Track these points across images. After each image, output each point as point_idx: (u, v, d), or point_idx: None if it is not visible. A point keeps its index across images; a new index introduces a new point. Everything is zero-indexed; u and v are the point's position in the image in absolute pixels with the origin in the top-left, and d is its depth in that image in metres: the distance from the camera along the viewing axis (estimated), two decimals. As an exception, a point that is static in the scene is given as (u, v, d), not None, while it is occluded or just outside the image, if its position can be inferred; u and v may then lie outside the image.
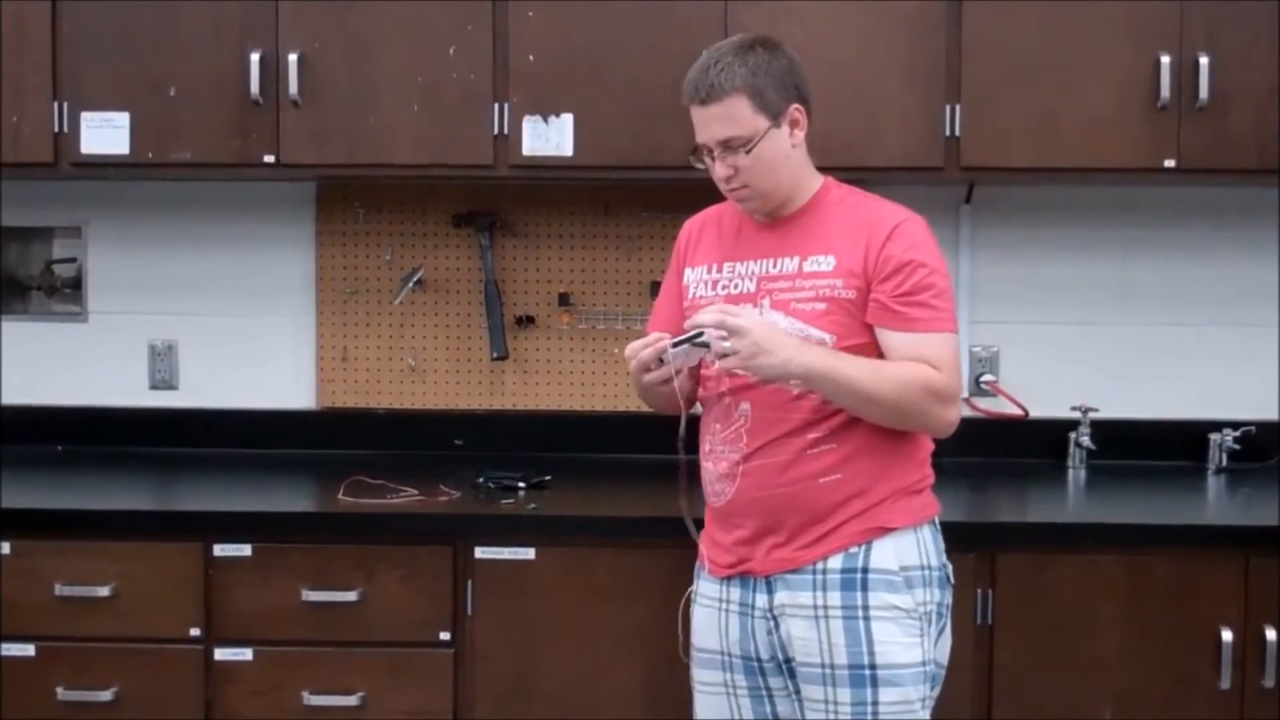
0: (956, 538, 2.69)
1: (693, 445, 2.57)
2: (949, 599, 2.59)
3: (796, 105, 2.53)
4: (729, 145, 2.50)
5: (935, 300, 2.48)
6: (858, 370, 2.43)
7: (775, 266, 2.55)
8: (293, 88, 3.26)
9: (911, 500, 2.54)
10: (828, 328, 2.49)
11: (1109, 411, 3.58)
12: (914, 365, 2.45)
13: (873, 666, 2.46)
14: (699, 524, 2.67)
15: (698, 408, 2.67)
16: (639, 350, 2.48)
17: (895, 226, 2.51)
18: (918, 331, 2.47)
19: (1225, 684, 2.90)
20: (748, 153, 2.49)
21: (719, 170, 2.54)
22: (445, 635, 2.98)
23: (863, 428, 2.49)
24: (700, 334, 2.41)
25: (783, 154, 2.52)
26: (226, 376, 3.74)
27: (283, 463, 3.60)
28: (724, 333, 2.39)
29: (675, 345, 2.43)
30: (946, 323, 2.50)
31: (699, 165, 2.58)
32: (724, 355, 2.41)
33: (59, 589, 2.99)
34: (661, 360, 2.45)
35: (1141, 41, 3.21)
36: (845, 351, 2.47)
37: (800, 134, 2.55)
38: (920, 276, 2.48)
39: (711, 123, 2.50)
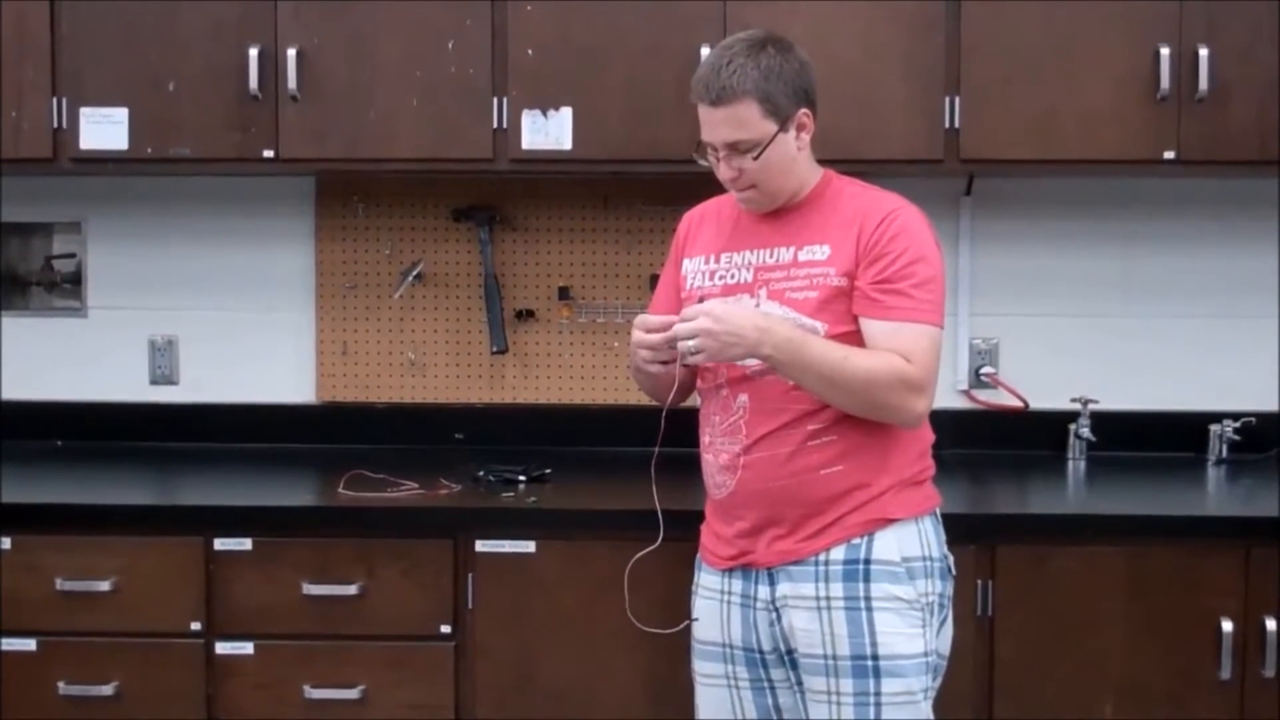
0: (957, 529, 2.69)
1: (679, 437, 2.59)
2: (950, 590, 2.59)
3: (805, 110, 2.52)
4: (736, 148, 2.49)
5: (915, 290, 2.47)
6: (825, 359, 2.43)
7: (772, 256, 2.55)
8: (292, 83, 3.26)
9: (913, 492, 2.55)
10: (821, 316, 2.49)
11: (1109, 403, 3.58)
12: (885, 355, 2.44)
13: (875, 657, 2.47)
14: (698, 516, 2.68)
15: (694, 399, 2.68)
16: (654, 325, 2.48)
17: (887, 215, 2.51)
18: (893, 320, 2.46)
19: (1226, 674, 2.90)
20: (755, 159, 2.49)
21: (724, 171, 2.53)
22: (446, 629, 2.99)
23: (862, 419, 2.48)
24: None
25: (789, 157, 2.52)
26: (227, 371, 3.74)
27: (283, 457, 3.60)
28: (691, 343, 2.41)
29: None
30: (926, 314, 2.48)
31: (703, 162, 2.58)
32: (695, 353, 2.43)
33: (60, 584, 2.99)
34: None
35: (1141, 33, 3.21)
36: (838, 339, 2.47)
37: (806, 137, 2.55)
38: (902, 264, 2.47)
39: (719, 125, 2.49)
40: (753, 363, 2.50)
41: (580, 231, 3.68)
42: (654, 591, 2.81)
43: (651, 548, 2.63)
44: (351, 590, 2.97)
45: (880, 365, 2.44)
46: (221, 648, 3.00)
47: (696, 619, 2.65)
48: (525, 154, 3.28)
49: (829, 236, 2.53)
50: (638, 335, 2.50)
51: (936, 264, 2.53)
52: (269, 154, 3.30)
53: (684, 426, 2.65)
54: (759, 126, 2.48)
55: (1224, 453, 3.55)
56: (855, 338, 2.49)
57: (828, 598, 2.49)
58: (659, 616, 2.76)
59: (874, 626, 2.47)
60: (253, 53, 3.26)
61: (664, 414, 2.57)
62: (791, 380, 2.46)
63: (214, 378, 3.75)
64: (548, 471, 3.28)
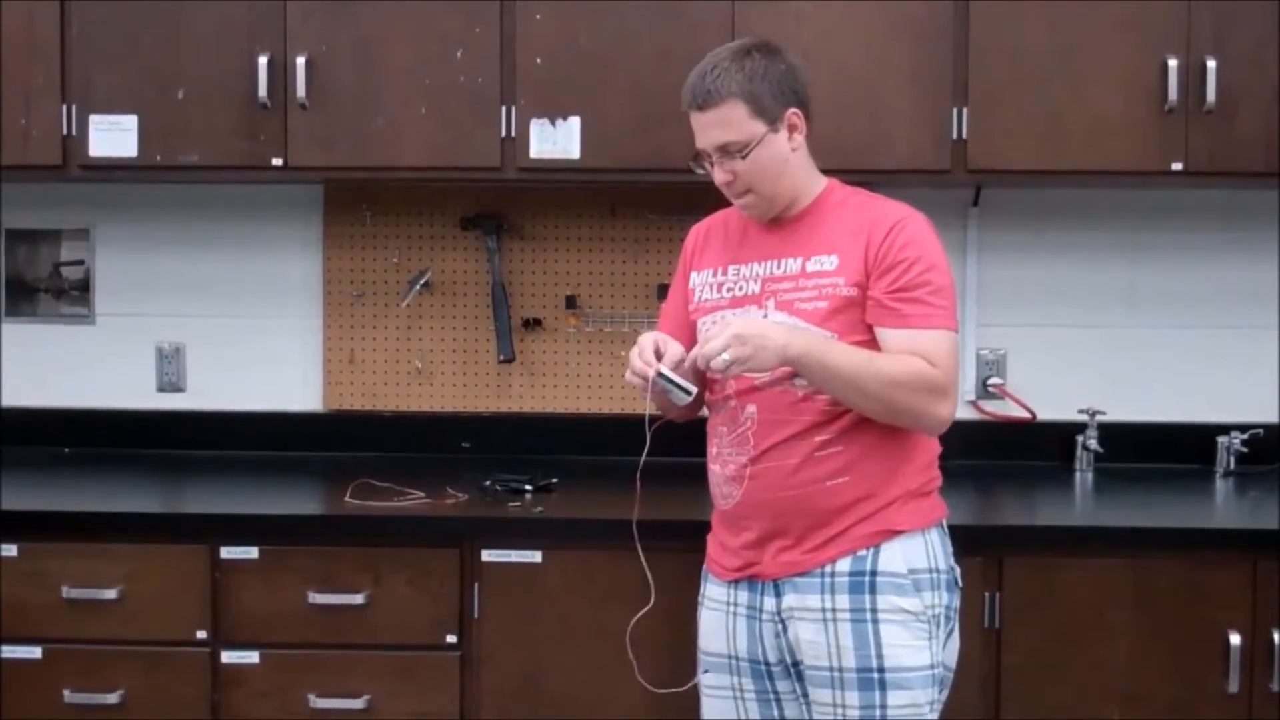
0: (964, 541, 2.69)
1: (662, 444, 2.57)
2: (957, 602, 2.59)
3: (795, 110, 2.53)
4: (726, 150, 2.51)
5: (931, 297, 2.48)
6: (850, 359, 2.43)
7: (779, 268, 2.55)
8: (300, 90, 3.26)
9: (919, 503, 2.54)
10: (829, 326, 2.49)
11: (1116, 414, 3.58)
12: (909, 358, 2.45)
13: (881, 669, 2.46)
14: (704, 526, 2.67)
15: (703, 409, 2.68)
16: (646, 350, 2.46)
17: (895, 224, 2.51)
18: (912, 328, 2.47)
19: (1233, 687, 2.89)
20: (744, 158, 2.50)
21: (718, 175, 2.55)
22: (452, 638, 2.98)
23: (869, 430, 2.49)
24: (686, 388, 2.44)
25: (781, 158, 2.53)
26: (234, 379, 3.75)
27: (290, 465, 3.60)
28: (725, 355, 2.38)
29: (662, 375, 2.43)
30: (943, 319, 2.49)
31: (699, 170, 2.59)
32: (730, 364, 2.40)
33: (66, 591, 2.99)
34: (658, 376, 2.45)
35: (1149, 44, 3.21)
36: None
37: (800, 138, 2.55)
38: (916, 273, 2.47)
39: (709, 128, 2.51)
40: (763, 374, 2.49)
41: (588, 240, 3.68)
42: (659, 602, 2.80)
43: (645, 609, 2.63)
44: (357, 599, 2.97)
45: (905, 368, 2.44)
46: (227, 656, 2.99)
47: (706, 672, 2.65)
48: (533, 162, 3.28)
49: (837, 246, 2.53)
50: (636, 365, 2.47)
51: (946, 271, 2.53)
52: (277, 162, 3.30)
53: (692, 436, 2.65)
54: (747, 127, 2.49)
55: (1231, 464, 3.54)
56: (866, 347, 2.48)
57: (833, 609, 2.48)
58: (663, 626, 2.77)
59: (880, 639, 2.46)
60: (262, 60, 3.26)
61: (648, 427, 2.55)
62: (815, 384, 2.45)
63: (221, 385, 3.75)
64: (554, 481, 3.28)
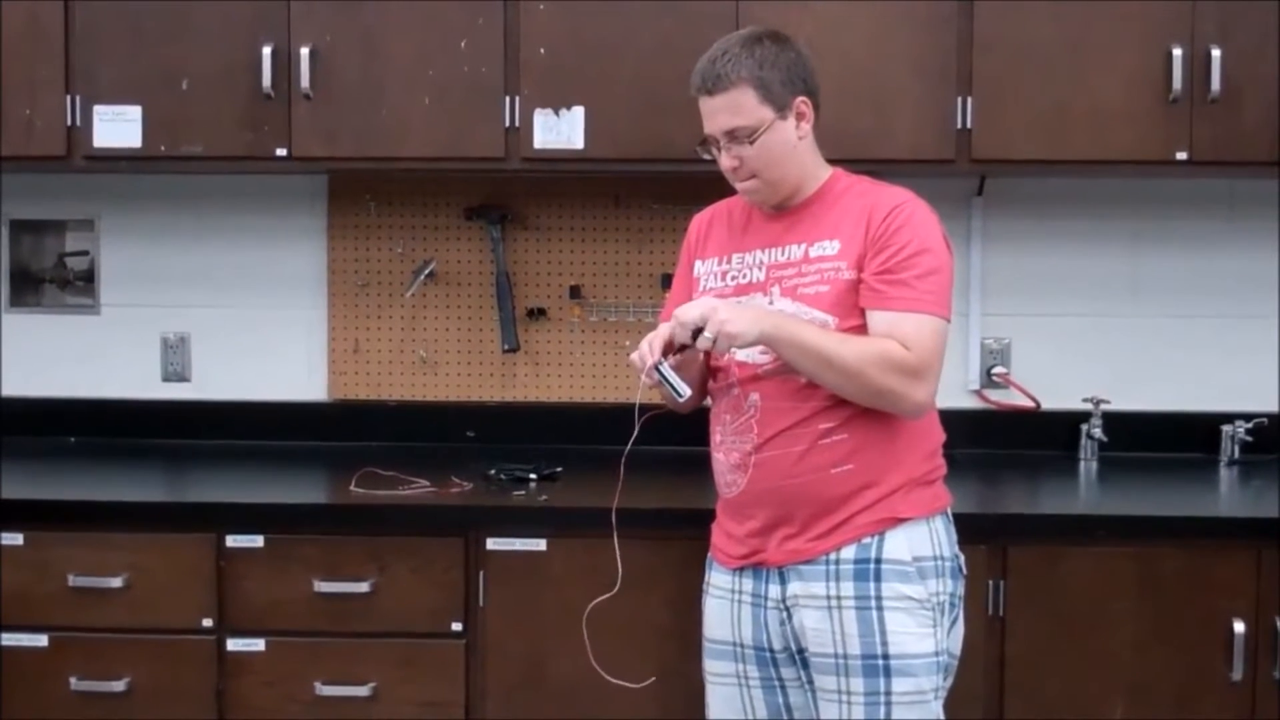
0: (968, 529, 2.69)
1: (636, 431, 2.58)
2: (961, 589, 2.59)
3: (803, 98, 2.54)
4: (734, 136, 2.51)
5: (918, 281, 2.47)
6: (821, 337, 2.44)
7: (783, 254, 2.56)
8: (304, 81, 3.26)
9: (924, 491, 2.55)
10: (833, 310, 2.50)
11: (1121, 404, 3.58)
12: (881, 340, 2.45)
13: (886, 656, 2.47)
14: (709, 514, 2.67)
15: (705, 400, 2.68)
16: (656, 339, 2.48)
17: (894, 208, 2.52)
18: (894, 310, 2.47)
19: (1237, 675, 2.90)
20: (752, 143, 2.51)
21: (725, 161, 2.55)
22: (457, 626, 2.99)
23: (873, 418, 2.49)
24: (679, 389, 2.45)
25: (788, 145, 2.54)
26: (238, 369, 3.75)
27: (294, 454, 3.61)
28: (707, 330, 2.39)
29: (660, 370, 2.45)
30: (928, 304, 2.48)
31: (706, 156, 2.60)
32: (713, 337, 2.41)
33: (72, 580, 3.00)
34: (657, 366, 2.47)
35: (1153, 34, 3.20)
36: (846, 333, 2.48)
37: (807, 126, 2.56)
38: (905, 255, 2.48)
39: (717, 113, 2.52)
40: (763, 359, 2.50)
41: (591, 230, 3.68)
42: (663, 590, 2.82)
43: (609, 594, 2.66)
44: (363, 587, 2.97)
45: (872, 349, 2.44)
46: (233, 644, 3.00)
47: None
48: (537, 153, 3.28)
49: (839, 232, 2.53)
50: (642, 349, 2.48)
51: (942, 256, 2.53)
52: (281, 152, 3.31)
53: (695, 425, 2.65)
54: (755, 112, 2.50)
55: (1235, 454, 3.55)
56: (864, 331, 2.49)
57: (838, 597, 2.49)
58: (668, 615, 2.77)
59: (885, 626, 2.47)
60: (266, 51, 3.26)
61: (638, 416, 2.56)
62: (788, 361, 2.46)
63: (226, 375, 3.76)
64: (558, 470, 3.29)
